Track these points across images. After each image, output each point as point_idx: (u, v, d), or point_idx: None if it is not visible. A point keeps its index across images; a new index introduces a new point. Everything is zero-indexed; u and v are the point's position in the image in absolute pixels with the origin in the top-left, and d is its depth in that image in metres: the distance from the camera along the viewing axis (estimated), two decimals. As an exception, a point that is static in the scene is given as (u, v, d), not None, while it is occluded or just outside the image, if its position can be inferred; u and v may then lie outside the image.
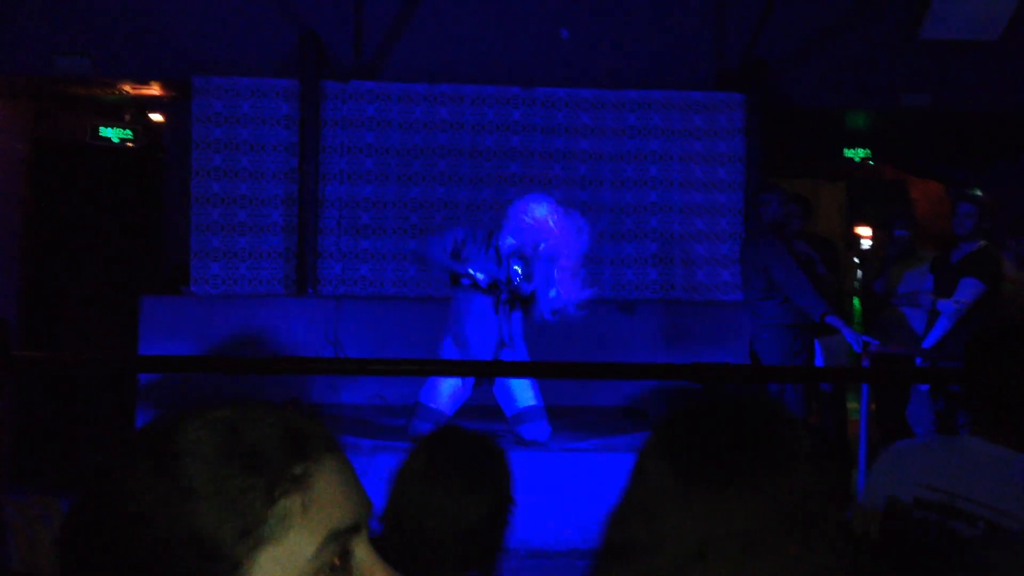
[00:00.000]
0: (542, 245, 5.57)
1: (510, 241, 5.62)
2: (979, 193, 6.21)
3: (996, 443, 2.20)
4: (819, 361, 6.56)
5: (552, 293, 5.58)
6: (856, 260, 11.04)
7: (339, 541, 0.86)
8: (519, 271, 5.62)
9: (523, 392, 5.77)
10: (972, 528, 2.06)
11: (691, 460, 1.08)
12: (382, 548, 0.91)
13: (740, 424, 1.12)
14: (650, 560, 1.04)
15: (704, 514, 1.03)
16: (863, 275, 7.40)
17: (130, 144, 8.46)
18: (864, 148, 9.53)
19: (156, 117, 8.69)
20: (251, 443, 0.87)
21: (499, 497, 2.12)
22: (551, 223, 5.57)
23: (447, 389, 5.76)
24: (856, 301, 8.95)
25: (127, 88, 7.77)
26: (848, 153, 9.53)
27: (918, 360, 6.16)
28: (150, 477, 0.85)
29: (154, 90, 7.82)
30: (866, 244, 11.66)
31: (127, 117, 8.49)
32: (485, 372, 5.70)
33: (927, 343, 6.08)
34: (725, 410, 1.15)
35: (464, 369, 5.81)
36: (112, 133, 8.41)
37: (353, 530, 0.88)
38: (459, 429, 2.23)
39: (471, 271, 5.58)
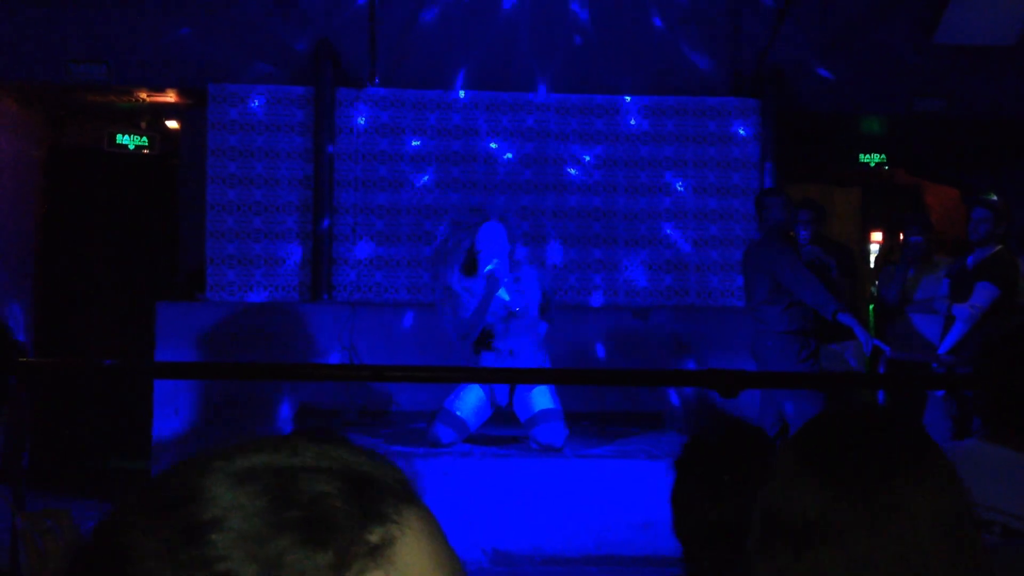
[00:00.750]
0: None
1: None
2: (994, 198, 6.19)
3: (1007, 447, 2.20)
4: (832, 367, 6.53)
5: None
6: (871, 266, 11.01)
7: None
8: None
9: (540, 396, 5.75)
10: (989, 534, 2.05)
11: (860, 474, 1.10)
12: None
13: (891, 434, 1.16)
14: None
15: (891, 527, 1.06)
16: (879, 282, 7.37)
17: (146, 151, 8.51)
18: (879, 153, 9.50)
19: (172, 124, 8.73)
20: (308, 503, 0.64)
21: None
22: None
23: (473, 400, 5.76)
24: (871, 307, 8.93)
25: (143, 95, 7.82)
26: (863, 158, 9.51)
27: (934, 366, 6.14)
28: (173, 556, 0.62)
29: (170, 97, 7.86)
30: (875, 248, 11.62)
31: (143, 124, 8.54)
32: (502, 379, 5.70)
33: (942, 348, 6.05)
34: (865, 421, 1.19)
35: (480, 376, 5.81)
36: (128, 140, 8.46)
37: None
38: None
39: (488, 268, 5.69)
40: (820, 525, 1.07)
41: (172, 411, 6.94)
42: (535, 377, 5.59)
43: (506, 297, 5.74)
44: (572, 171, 7.65)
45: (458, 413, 5.71)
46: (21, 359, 4.53)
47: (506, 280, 5.74)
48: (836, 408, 1.24)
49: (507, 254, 5.76)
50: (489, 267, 5.66)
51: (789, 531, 1.10)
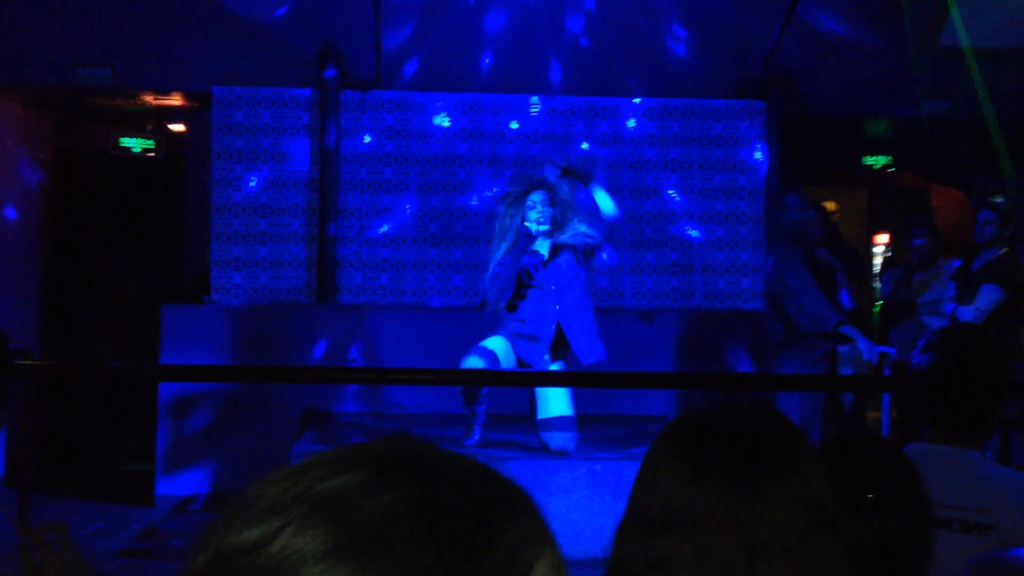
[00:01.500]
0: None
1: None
2: (1000, 200, 6.18)
3: (952, 444, 2.30)
4: (843, 371, 6.52)
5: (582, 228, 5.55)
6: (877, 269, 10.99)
7: None
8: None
9: (557, 400, 5.69)
10: (949, 531, 2.12)
11: (721, 466, 1.10)
12: None
13: (757, 427, 1.16)
14: (697, 572, 1.05)
15: (748, 519, 1.05)
16: (883, 284, 7.35)
17: (151, 154, 8.52)
18: (885, 155, 9.49)
19: (177, 127, 8.74)
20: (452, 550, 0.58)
21: None
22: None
23: (501, 344, 5.53)
24: (876, 308, 8.91)
25: (148, 98, 7.83)
26: (868, 160, 9.49)
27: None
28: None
29: (175, 100, 7.87)
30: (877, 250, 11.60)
31: (148, 127, 8.55)
32: (511, 381, 5.68)
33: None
34: (734, 415, 1.19)
35: (489, 378, 5.81)
36: (134, 143, 8.47)
37: None
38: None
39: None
40: (675, 514, 1.08)
41: (178, 413, 6.95)
42: (544, 380, 5.58)
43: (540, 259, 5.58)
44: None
45: (488, 346, 5.51)
46: (25, 361, 4.54)
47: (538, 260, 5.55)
48: (711, 401, 1.27)
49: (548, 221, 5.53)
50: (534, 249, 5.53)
51: (646, 518, 1.11)
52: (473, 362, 5.41)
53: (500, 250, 5.54)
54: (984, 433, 2.36)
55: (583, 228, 5.50)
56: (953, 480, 2.19)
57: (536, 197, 5.51)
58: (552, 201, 5.54)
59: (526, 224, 5.51)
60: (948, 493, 2.14)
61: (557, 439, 5.67)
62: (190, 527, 6.40)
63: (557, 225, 5.54)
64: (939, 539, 2.11)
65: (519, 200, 5.55)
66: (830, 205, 7.98)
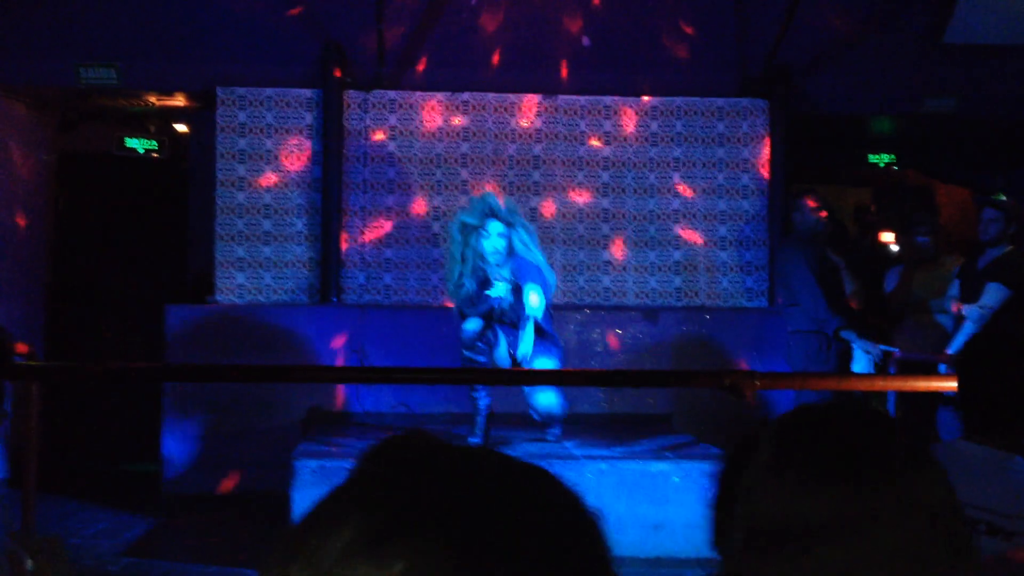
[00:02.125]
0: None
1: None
2: (1004, 198, 6.17)
3: (989, 445, 2.27)
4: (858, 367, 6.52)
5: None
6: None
7: None
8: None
9: (541, 365, 5.79)
10: (975, 532, 2.09)
11: (844, 472, 1.05)
12: None
13: (871, 431, 1.11)
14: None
15: (871, 527, 1.02)
16: (886, 281, 7.34)
17: (155, 155, 8.52)
18: (889, 153, 9.47)
19: (181, 128, 8.75)
20: None
21: None
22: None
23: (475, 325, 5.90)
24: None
25: (152, 99, 7.84)
26: (872, 159, 9.48)
27: (943, 366, 6.12)
28: None
29: (179, 101, 7.88)
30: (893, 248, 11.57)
31: (152, 128, 8.56)
32: (512, 381, 5.69)
33: (952, 349, 6.04)
34: (843, 418, 1.13)
35: (487, 377, 5.82)
36: (137, 144, 8.47)
37: None
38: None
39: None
40: (819, 525, 1.02)
41: (182, 413, 6.95)
42: (543, 378, 5.59)
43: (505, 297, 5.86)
44: (580, 172, 7.64)
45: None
46: (29, 362, 4.54)
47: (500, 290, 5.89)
48: (811, 403, 1.21)
49: (504, 256, 5.84)
50: (493, 292, 5.84)
51: (759, 531, 1.05)
52: (473, 324, 5.83)
53: (459, 273, 5.92)
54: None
55: (533, 290, 5.74)
56: (986, 481, 2.16)
57: (493, 228, 5.85)
58: (504, 234, 5.89)
59: (484, 253, 5.87)
60: (980, 494, 2.12)
61: (542, 403, 5.78)
62: (195, 527, 6.41)
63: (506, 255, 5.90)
64: None
65: (475, 230, 5.89)
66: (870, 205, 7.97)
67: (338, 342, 7.16)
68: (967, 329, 5.98)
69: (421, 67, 7.64)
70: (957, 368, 2.42)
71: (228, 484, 6.92)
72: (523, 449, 5.86)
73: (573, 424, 6.44)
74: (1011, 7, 7.29)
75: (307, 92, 7.50)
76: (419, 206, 7.55)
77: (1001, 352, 2.38)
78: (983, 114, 7.93)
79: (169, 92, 7.71)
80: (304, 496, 5.32)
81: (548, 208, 7.61)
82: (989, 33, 7.44)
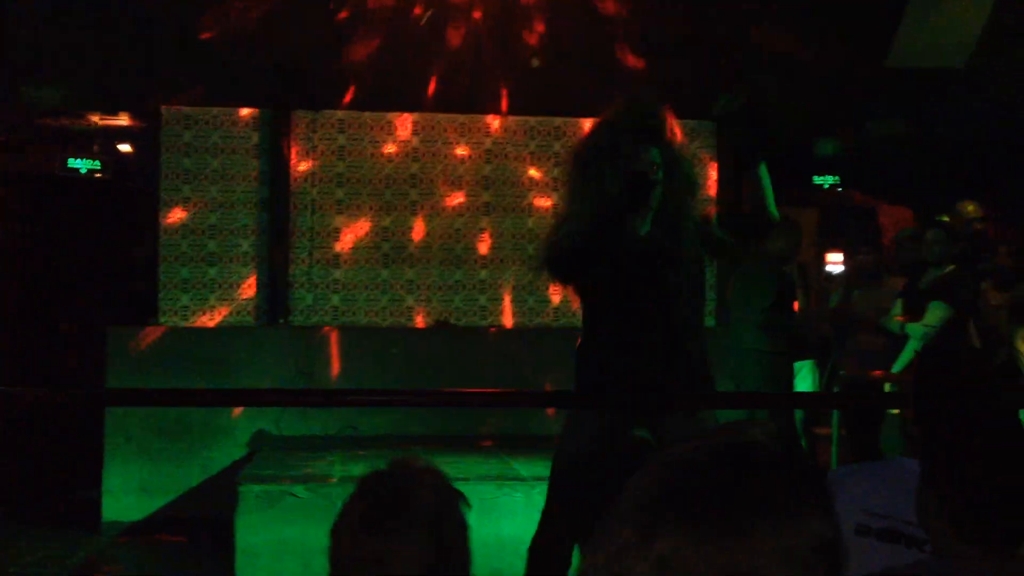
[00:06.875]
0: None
1: None
2: (947, 219, 6.27)
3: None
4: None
5: None
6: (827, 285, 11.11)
7: None
8: None
9: None
10: (919, 551, 2.06)
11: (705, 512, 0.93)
12: None
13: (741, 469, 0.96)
14: None
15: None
16: (832, 300, 7.43)
17: (99, 175, 8.40)
18: (833, 175, 9.60)
19: (125, 147, 8.64)
20: None
21: (441, 543, 1.86)
22: None
23: None
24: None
25: (96, 119, 7.73)
26: (817, 180, 9.61)
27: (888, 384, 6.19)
28: None
29: (123, 120, 7.79)
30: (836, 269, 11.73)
31: (96, 148, 8.44)
32: (449, 401, 5.66)
33: (896, 367, 6.10)
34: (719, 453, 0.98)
35: (438, 399, 5.77)
36: (80, 164, 8.35)
37: None
38: (399, 467, 1.94)
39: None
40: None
41: (124, 438, 6.83)
42: (483, 399, 5.56)
43: None
44: (531, 193, 7.64)
45: None
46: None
47: None
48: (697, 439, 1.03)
49: None
50: None
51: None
52: None
53: None
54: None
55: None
56: (893, 488, 2.17)
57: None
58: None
59: None
60: (881, 502, 2.13)
61: None
62: (138, 554, 6.29)
63: None
64: (867, 546, 2.12)
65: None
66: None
67: (285, 364, 7.08)
68: (911, 348, 6.05)
69: (370, 87, 7.61)
70: (914, 383, 2.41)
71: (172, 510, 6.80)
72: (473, 471, 5.82)
73: (527, 444, 6.42)
74: (950, 32, 7.42)
75: (254, 112, 7.44)
76: (368, 227, 7.50)
77: (949, 373, 2.38)
78: (925, 137, 8.07)
79: (113, 112, 7.62)
80: (248, 522, 5.23)
81: (498, 228, 7.60)
82: (930, 57, 7.56)
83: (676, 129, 3.84)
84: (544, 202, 7.63)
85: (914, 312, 6.16)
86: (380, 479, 1.91)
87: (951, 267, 6.18)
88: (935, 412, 2.15)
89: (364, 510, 1.85)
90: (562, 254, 3.57)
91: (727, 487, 0.93)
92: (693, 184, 3.83)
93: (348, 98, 7.57)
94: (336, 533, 1.85)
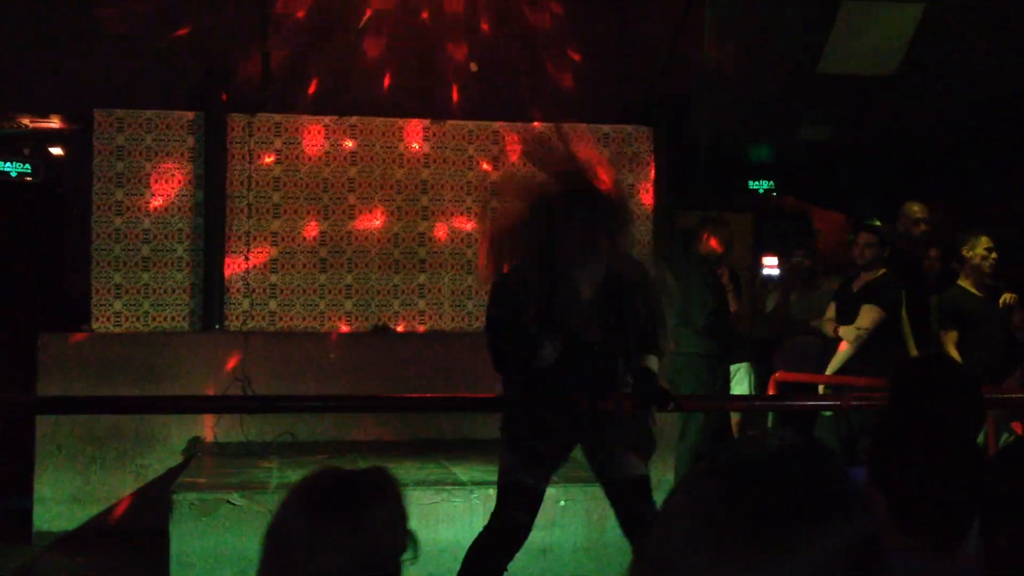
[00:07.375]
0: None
1: None
2: (878, 223, 6.38)
3: None
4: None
5: None
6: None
7: None
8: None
9: None
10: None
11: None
12: None
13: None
14: None
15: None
16: (768, 303, 7.54)
17: (29, 178, 8.25)
18: (768, 180, 9.75)
19: (56, 151, 8.48)
20: None
21: (381, 539, 1.90)
22: None
23: None
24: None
25: (26, 121, 7.59)
26: (752, 185, 9.74)
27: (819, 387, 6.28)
28: None
29: (54, 123, 7.65)
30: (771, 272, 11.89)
31: (26, 151, 8.28)
32: (377, 408, 5.64)
33: (829, 369, 6.20)
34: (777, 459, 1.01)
35: (377, 405, 5.76)
36: (10, 167, 8.19)
37: None
38: (336, 469, 2.00)
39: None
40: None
41: (55, 446, 6.70)
42: (438, 405, 5.55)
43: None
44: (470, 197, 7.64)
45: None
46: None
47: None
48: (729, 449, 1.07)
49: None
50: None
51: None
52: None
53: None
54: None
55: None
56: None
57: None
58: None
59: None
60: None
61: None
62: (70, 565, 6.18)
63: None
64: None
65: None
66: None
67: (221, 370, 6.99)
68: (843, 350, 6.16)
69: (307, 90, 7.56)
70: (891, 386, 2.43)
71: (105, 519, 6.68)
72: (412, 476, 5.80)
73: (467, 449, 6.41)
74: (879, 39, 7.57)
75: (189, 114, 7.34)
76: (305, 231, 7.45)
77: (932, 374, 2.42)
78: (856, 142, 8.22)
79: (44, 114, 7.48)
80: (183, 530, 5.17)
81: (434, 233, 7.59)
82: (860, 64, 7.71)
83: (605, 176, 3.97)
84: (481, 205, 7.64)
85: (847, 315, 6.26)
86: (319, 472, 1.98)
87: (882, 270, 6.29)
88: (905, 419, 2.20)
89: (299, 497, 1.90)
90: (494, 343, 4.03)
91: (791, 497, 0.95)
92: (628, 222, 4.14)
93: (285, 101, 7.51)
94: (270, 527, 1.88)
